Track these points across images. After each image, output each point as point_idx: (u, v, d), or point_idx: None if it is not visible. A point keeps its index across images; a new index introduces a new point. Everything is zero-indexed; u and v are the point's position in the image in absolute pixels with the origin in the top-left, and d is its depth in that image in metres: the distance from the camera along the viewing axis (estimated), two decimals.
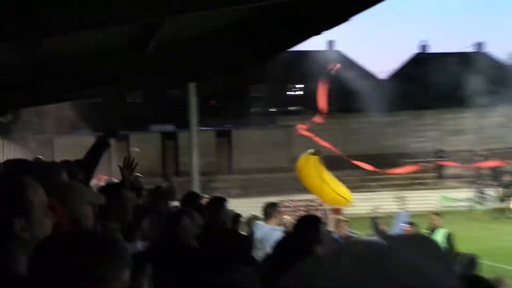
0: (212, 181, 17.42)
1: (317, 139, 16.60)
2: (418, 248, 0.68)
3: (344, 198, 13.87)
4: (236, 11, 4.54)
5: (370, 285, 0.59)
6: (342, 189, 13.87)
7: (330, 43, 38.64)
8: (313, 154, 12.38)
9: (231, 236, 5.06)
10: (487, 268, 8.36)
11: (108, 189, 4.07)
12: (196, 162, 10.03)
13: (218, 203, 5.00)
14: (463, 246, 9.37)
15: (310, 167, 12.13)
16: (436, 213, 10.59)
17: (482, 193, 22.60)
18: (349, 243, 0.99)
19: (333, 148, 16.83)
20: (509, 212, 20.42)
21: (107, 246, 1.45)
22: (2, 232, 1.54)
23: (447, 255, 0.68)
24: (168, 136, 26.70)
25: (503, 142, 26.62)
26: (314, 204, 15.15)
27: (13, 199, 1.58)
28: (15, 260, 1.55)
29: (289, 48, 6.92)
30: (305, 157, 12.56)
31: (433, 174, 25.98)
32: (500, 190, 21.60)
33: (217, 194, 6.26)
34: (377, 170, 17.76)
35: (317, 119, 16.98)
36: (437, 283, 0.63)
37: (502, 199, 21.32)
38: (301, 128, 18.64)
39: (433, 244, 0.72)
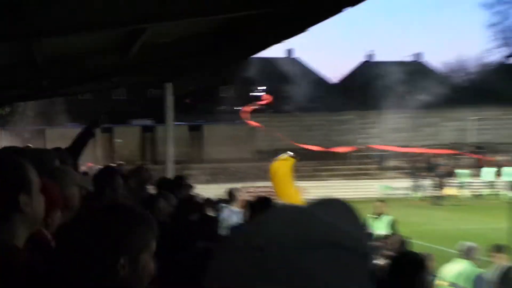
0: (185, 169, 17.05)
1: (279, 134, 16.55)
2: (335, 210, 0.67)
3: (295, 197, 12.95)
4: (208, 22, 4.45)
5: (300, 243, 0.59)
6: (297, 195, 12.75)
7: (289, 51, 38.96)
8: (288, 159, 11.39)
9: (202, 217, 5.11)
10: (422, 248, 8.27)
11: (104, 173, 4.00)
12: (171, 152, 9.89)
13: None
14: (402, 230, 9.23)
15: (283, 173, 11.15)
16: (381, 201, 10.27)
17: (418, 182, 22.47)
18: (279, 207, 0.92)
19: (291, 141, 16.98)
20: (443, 199, 20.39)
21: (142, 217, 1.41)
22: (8, 206, 1.50)
23: (358, 216, 0.59)
24: (147, 129, 26.44)
25: (436, 139, 27.34)
26: (273, 190, 14.92)
27: (17, 177, 1.53)
28: (16, 234, 1.52)
29: (254, 54, 6.80)
30: (280, 162, 11.61)
31: (375, 166, 26.23)
32: (436, 179, 21.58)
33: (189, 180, 6.08)
34: (323, 149, 17.58)
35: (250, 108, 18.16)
36: (353, 238, 0.63)
37: (436, 188, 21.23)
38: (245, 112, 18.93)
39: (347, 206, 0.70)
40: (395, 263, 3.35)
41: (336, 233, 0.63)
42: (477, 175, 23.48)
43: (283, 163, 11.02)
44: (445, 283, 6.03)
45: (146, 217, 1.44)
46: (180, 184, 5.54)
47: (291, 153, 11.10)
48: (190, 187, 6.00)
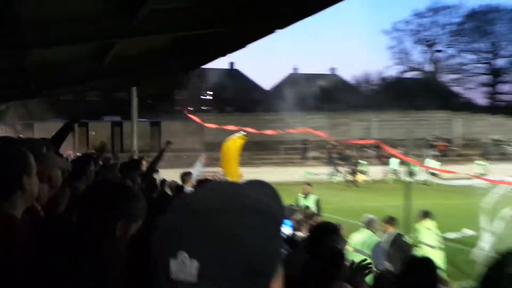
0: (147, 157, 17.21)
1: (224, 127, 16.45)
2: (260, 188, 0.67)
3: (237, 176, 12.56)
4: (164, 38, 4.44)
5: (230, 210, 0.59)
6: (238, 169, 12.54)
7: (231, 63, 39.71)
8: (242, 137, 11.20)
9: (162, 196, 5.32)
10: (336, 220, 7.70)
11: (81, 159, 4.19)
12: (135, 143, 10.05)
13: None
14: (323, 206, 9.30)
15: (235, 148, 11.08)
16: (308, 184, 10.20)
17: (336, 169, 22.97)
18: (216, 182, 0.96)
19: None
20: (355, 183, 21.01)
21: (136, 194, 1.50)
22: (13, 185, 1.54)
23: (277, 193, 0.65)
24: (116, 125, 27.05)
25: (347, 136, 28.71)
26: (217, 175, 15.09)
27: (21, 162, 1.58)
28: (17, 207, 1.55)
29: (203, 65, 6.87)
30: (234, 138, 11.47)
31: (299, 156, 27.30)
32: (349, 167, 22.22)
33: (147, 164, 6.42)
34: (257, 131, 17.16)
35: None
36: (272, 209, 0.63)
37: (350, 174, 21.88)
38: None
39: (270, 186, 0.70)
40: (316, 230, 3.41)
41: (260, 205, 0.62)
42: (381, 164, 24.47)
43: (235, 141, 10.89)
44: (351, 249, 6.02)
45: (140, 195, 1.52)
46: (138, 165, 5.75)
47: (244, 132, 10.94)
48: (156, 171, 6.19)
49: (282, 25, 3.45)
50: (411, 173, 11.22)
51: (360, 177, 21.56)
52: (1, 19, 2.98)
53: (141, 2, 2.80)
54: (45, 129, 17.97)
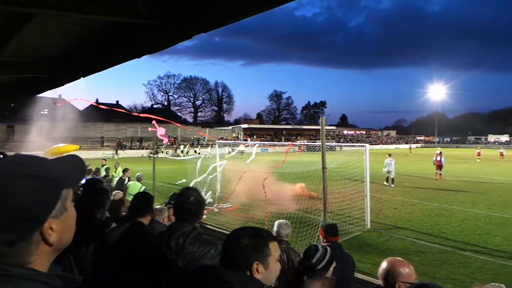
0: (3, 147, 31.84)
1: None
2: (65, 160, 0.79)
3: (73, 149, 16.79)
4: (61, 43, 3.88)
5: (7, 178, 0.71)
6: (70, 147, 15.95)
7: (60, 95, 56.15)
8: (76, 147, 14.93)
9: None
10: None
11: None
12: None
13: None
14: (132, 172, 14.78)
15: (66, 150, 13.14)
16: (104, 159, 15.04)
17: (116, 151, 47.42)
18: (16, 154, 0.86)
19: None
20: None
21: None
22: None
23: (79, 163, 0.83)
24: None
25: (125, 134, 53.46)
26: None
27: None
28: None
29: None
30: (69, 146, 14.28)
31: (100, 144, 49.84)
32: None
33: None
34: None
35: None
36: (55, 175, 0.72)
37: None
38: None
39: (74, 157, 0.81)
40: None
41: (40, 171, 0.71)
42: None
43: (68, 147, 14.11)
44: (130, 197, 6.79)
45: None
46: None
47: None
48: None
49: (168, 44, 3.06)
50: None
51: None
52: None
53: None
54: None
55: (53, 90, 6.14)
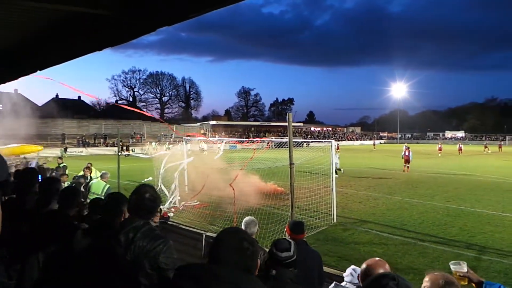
0: None
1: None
2: None
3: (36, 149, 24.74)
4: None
5: None
6: (31, 148, 24.86)
7: (16, 89, 53.34)
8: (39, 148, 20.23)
9: None
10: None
11: None
12: None
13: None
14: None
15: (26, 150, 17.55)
16: (60, 157, 15.86)
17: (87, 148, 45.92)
18: None
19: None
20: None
21: None
22: None
23: (2, 161, 0.96)
24: None
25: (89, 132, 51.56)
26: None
27: None
28: None
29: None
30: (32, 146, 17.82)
31: (61, 142, 47.91)
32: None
33: None
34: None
35: None
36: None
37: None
38: None
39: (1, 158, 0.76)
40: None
41: None
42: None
43: (31, 147, 19.02)
44: (94, 196, 7.39)
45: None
46: None
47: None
48: None
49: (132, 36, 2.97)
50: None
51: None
52: None
53: None
54: None
55: (7, 83, 5.85)
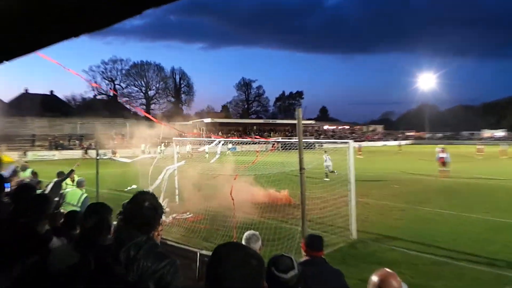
0: None
1: None
2: None
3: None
4: None
5: None
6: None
7: None
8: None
9: None
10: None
11: None
12: None
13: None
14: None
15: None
16: (26, 162, 19.81)
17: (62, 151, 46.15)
18: None
19: None
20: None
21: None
22: None
23: None
24: None
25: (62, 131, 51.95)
26: None
27: None
28: None
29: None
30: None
31: (30, 144, 48.11)
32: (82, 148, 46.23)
33: None
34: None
35: None
36: None
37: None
38: None
39: None
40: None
41: None
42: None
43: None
44: (69, 207, 8.19)
45: None
46: None
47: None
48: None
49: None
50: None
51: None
52: None
53: None
54: None
55: None
